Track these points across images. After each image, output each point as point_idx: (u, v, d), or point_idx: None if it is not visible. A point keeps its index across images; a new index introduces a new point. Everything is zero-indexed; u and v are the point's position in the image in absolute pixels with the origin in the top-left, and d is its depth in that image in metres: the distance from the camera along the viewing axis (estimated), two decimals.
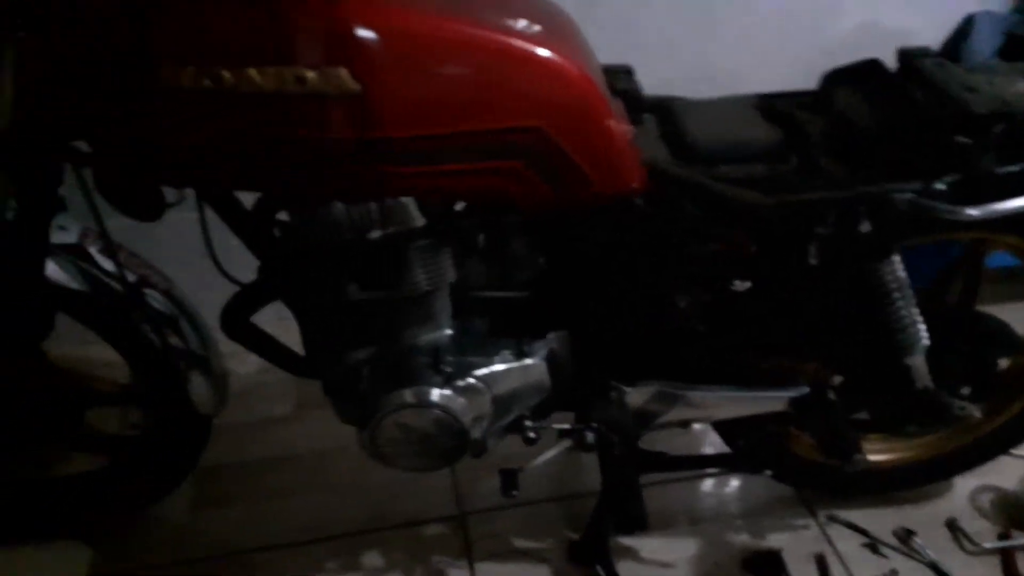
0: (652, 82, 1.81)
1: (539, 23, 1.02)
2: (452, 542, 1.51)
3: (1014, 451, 1.54)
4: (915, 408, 1.27)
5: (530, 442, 1.23)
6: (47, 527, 1.45)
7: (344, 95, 0.87)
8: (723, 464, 1.31)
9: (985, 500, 1.62)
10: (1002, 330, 1.28)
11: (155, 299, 1.26)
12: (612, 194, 1.02)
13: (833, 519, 1.57)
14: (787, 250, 1.06)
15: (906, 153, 1.04)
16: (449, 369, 1.11)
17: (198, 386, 1.32)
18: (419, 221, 1.05)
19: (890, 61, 1.82)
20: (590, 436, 1.23)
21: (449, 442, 1.12)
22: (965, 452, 1.52)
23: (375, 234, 1.04)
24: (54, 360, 1.28)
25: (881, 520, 1.57)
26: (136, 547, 1.49)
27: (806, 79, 1.87)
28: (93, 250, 1.21)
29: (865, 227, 1.05)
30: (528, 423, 1.21)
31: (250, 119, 0.89)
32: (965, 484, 1.64)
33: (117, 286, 1.20)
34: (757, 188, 1.05)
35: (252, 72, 0.86)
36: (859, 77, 1.15)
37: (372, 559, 1.48)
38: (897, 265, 1.12)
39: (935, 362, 1.25)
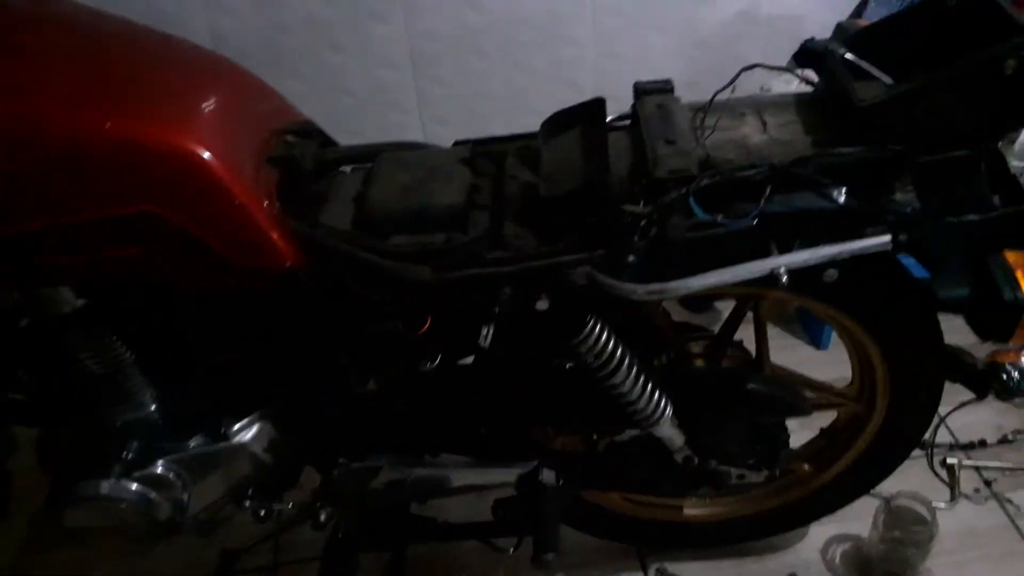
0: (503, 91, 1.70)
1: (167, 89, 0.92)
2: None
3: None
4: (682, 477, 1.14)
5: (260, 520, 1.16)
6: None
7: None
8: (479, 534, 1.21)
9: (838, 551, 1.48)
10: (782, 394, 1.12)
11: None
12: (262, 272, 0.93)
13: (662, 573, 1.46)
14: (460, 332, 0.95)
15: (586, 221, 0.90)
16: (131, 456, 1.05)
17: None
18: (74, 303, 0.98)
19: (780, 50, 1.65)
20: (323, 514, 1.15)
21: (138, 529, 1.07)
22: (802, 505, 1.38)
23: (23, 322, 0.98)
24: None
25: (716, 574, 1.46)
26: None
27: (686, 74, 1.72)
28: None
29: (544, 304, 0.92)
30: (249, 503, 1.14)
31: None
32: (823, 532, 1.50)
33: None
34: (431, 261, 0.93)
35: None
36: (580, 121, 1.00)
37: None
38: (596, 339, 0.98)
39: (706, 429, 1.12)
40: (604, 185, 0.88)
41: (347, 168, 1.11)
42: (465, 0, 1.61)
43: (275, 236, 0.92)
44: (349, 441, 1.11)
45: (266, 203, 0.92)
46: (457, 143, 1.12)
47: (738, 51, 1.72)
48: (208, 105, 0.93)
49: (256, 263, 0.92)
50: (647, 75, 1.71)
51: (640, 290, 0.87)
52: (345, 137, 1.20)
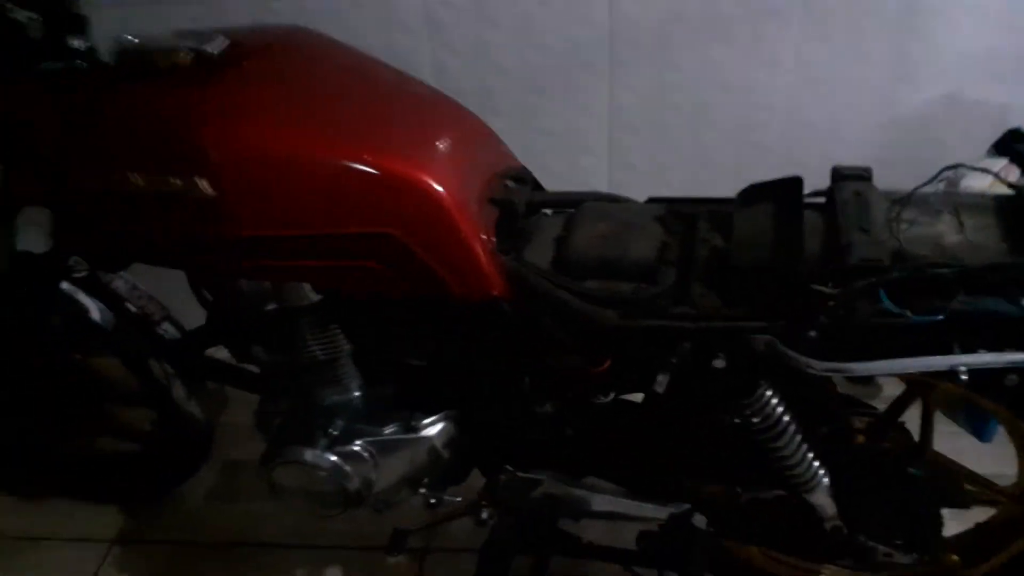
0: (692, 145, 1.79)
1: (413, 130, 1.08)
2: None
3: None
4: (826, 546, 1.18)
5: (430, 507, 1.30)
6: (90, 489, 1.78)
7: (204, 199, 1.01)
8: (622, 560, 1.29)
9: None
10: (942, 482, 1.14)
11: (156, 327, 1.49)
12: (473, 297, 1.07)
13: None
14: (638, 375, 1.04)
15: (774, 293, 0.97)
16: (336, 433, 1.22)
17: (191, 403, 1.55)
18: (312, 298, 1.17)
19: (980, 137, 1.65)
20: (484, 513, 1.28)
21: (330, 497, 1.23)
22: None
23: (270, 307, 1.18)
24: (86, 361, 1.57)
25: None
26: (156, 522, 1.77)
27: (877, 151, 1.75)
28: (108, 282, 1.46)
29: (721, 362, 1.00)
30: (424, 490, 1.28)
31: (142, 212, 1.05)
32: None
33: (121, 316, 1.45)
34: (618, 307, 1.04)
35: (132, 175, 1.02)
36: (776, 196, 1.07)
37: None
38: (766, 402, 1.04)
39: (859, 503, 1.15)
40: (796, 263, 0.95)
41: (548, 211, 1.24)
42: (667, 62, 1.71)
43: (487, 267, 1.05)
44: (519, 452, 1.23)
45: (484, 237, 1.06)
46: (651, 199, 1.21)
47: (936, 134, 1.71)
48: (447, 149, 1.09)
49: (468, 288, 1.06)
50: (836, 146, 1.76)
51: (818, 366, 0.93)
52: (536, 172, 1.33)
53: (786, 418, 1.05)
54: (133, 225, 1.08)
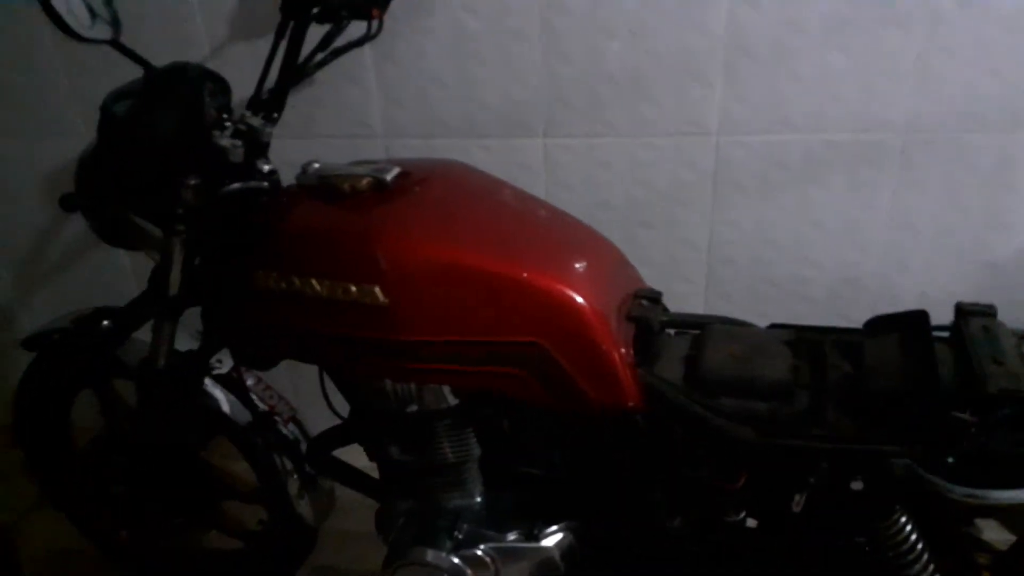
0: (788, 280, 1.88)
1: (560, 251, 1.19)
2: None
3: None
4: None
5: None
6: None
7: (376, 306, 1.11)
8: None
9: None
10: None
11: (282, 426, 1.57)
12: (609, 407, 1.13)
13: None
14: (774, 493, 1.07)
15: (912, 418, 1.01)
16: (460, 536, 1.26)
17: (303, 502, 1.60)
18: (450, 402, 1.24)
19: None
20: None
21: None
22: None
23: (412, 408, 1.25)
24: (207, 460, 1.65)
25: None
26: None
27: (971, 292, 1.80)
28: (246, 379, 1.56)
29: (859, 485, 1.03)
30: None
31: (311, 314, 1.16)
32: None
33: (251, 412, 1.54)
34: (753, 425, 1.09)
35: (314, 281, 1.13)
36: (902, 327, 1.14)
37: None
38: (901, 527, 1.06)
39: None
40: (935, 390, 1.00)
41: (671, 331, 1.31)
42: (767, 200, 1.83)
43: (625, 379, 1.13)
44: (642, 569, 1.24)
45: (623, 351, 1.14)
46: (774, 326, 1.28)
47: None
48: (589, 267, 1.19)
49: (605, 399, 1.13)
50: (930, 287, 1.83)
51: (957, 491, 0.96)
52: None
53: (920, 545, 1.07)
54: (301, 326, 1.19)
